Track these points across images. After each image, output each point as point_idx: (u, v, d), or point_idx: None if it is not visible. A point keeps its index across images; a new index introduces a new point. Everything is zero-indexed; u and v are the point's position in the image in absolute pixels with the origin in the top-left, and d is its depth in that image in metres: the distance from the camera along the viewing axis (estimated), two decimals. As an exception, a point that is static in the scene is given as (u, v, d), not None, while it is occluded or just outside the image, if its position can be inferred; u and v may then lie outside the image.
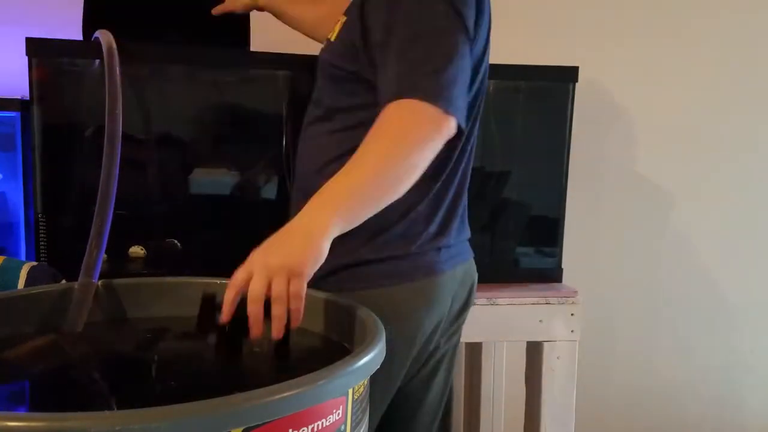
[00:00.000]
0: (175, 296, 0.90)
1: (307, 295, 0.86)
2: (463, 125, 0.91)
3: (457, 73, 0.90)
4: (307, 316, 0.84)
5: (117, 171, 0.91)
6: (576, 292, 1.44)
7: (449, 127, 0.88)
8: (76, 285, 0.84)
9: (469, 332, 1.44)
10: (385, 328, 0.71)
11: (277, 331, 0.71)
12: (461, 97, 0.91)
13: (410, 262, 1.01)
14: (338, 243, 0.78)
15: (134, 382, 0.74)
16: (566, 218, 1.51)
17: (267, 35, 1.42)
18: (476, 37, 0.97)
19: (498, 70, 1.49)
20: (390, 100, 0.87)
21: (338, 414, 0.59)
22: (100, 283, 0.86)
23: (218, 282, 0.90)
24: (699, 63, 1.95)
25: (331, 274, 0.94)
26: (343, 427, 0.60)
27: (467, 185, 1.10)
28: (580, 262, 1.63)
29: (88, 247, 0.86)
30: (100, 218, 0.87)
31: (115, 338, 0.87)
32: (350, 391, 0.60)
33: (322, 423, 0.57)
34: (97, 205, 0.88)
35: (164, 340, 0.87)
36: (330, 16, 1.16)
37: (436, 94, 0.87)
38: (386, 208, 0.86)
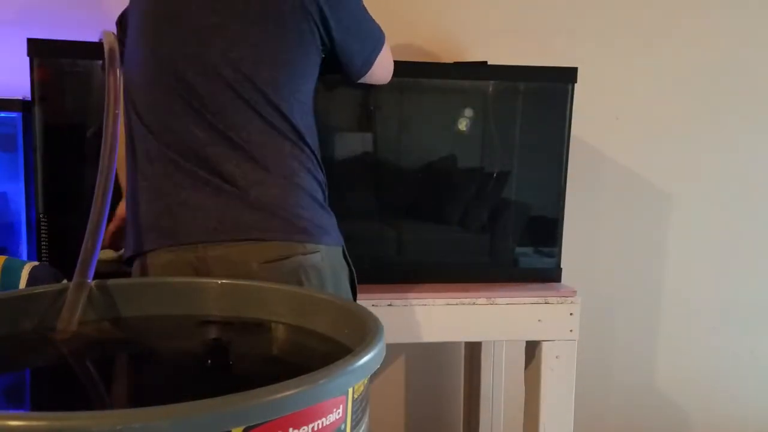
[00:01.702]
0: (172, 296, 0.90)
1: (307, 295, 0.87)
2: None
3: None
4: (308, 316, 0.84)
5: (114, 171, 0.91)
6: (575, 291, 1.45)
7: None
8: (69, 285, 0.84)
9: (468, 332, 1.45)
10: None
11: None
12: None
13: None
14: None
15: (129, 381, 0.75)
16: (565, 218, 1.51)
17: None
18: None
19: (498, 70, 1.50)
20: None
21: (338, 413, 0.59)
22: (93, 283, 0.86)
23: (218, 282, 0.91)
24: (700, 63, 1.95)
25: None
26: (343, 426, 0.60)
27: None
28: (579, 261, 1.63)
29: (82, 247, 0.86)
30: (95, 218, 0.87)
31: (110, 337, 0.87)
32: (350, 390, 0.60)
33: (322, 422, 0.57)
34: (92, 206, 0.88)
35: (159, 339, 0.87)
36: None
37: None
38: None
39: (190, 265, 1.00)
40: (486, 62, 1.53)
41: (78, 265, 0.85)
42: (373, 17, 1.20)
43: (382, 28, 1.23)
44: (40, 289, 0.87)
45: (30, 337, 0.81)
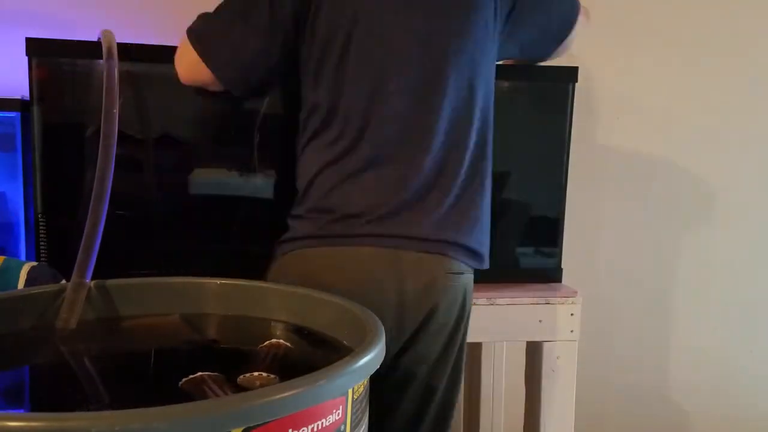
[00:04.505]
0: (170, 295, 0.90)
1: (307, 295, 0.87)
2: (225, 84, 1.12)
3: (227, 29, 1.09)
4: (308, 316, 0.84)
5: (112, 171, 0.91)
6: (576, 292, 1.44)
7: (201, 72, 1.10)
8: (68, 285, 0.84)
9: (469, 332, 1.45)
10: None
11: None
12: (225, 54, 1.09)
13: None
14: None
15: (128, 380, 0.74)
16: (566, 218, 1.51)
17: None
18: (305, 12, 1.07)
19: (498, 70, 1.50)
20: None
21: (338, 414, 0.59)
22: (92, 283, 0.85)
23: (218, 282, 0.91)
24: (700, 62, 1.95)
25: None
26: (342, 427, 0.60)
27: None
28: (580, 262, 1.63)
29: (81, 246, 0.85)
30: (93, 218, 0.87)
31: (108, 337, 0.86)
32: (350, 391, 0.60)
33: (322, 423, 0.57)
34: (90, 205, 0.88)
35: (157, 339, 0.87)
36: None
37: (193, 33, 1.10)
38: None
39: (386, 259, 1.06)
40: None
41: (76, 264, 0.84)
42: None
43: None
44: (38, 289, 0.87)
45: (28, 337, 0.81)
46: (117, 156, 0.97)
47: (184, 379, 0.63)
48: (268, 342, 0.71)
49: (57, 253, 1.25)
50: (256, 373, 0.63)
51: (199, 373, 0.64)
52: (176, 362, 0.81)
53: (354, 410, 0.62)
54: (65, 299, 0.82)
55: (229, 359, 0.81)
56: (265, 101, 1.30)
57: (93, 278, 0.86)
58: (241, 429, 0.50)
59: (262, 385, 0.62)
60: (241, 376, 0.64)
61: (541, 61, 1.37)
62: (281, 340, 0.71)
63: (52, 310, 0.83)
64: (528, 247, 1.53)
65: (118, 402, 0.68)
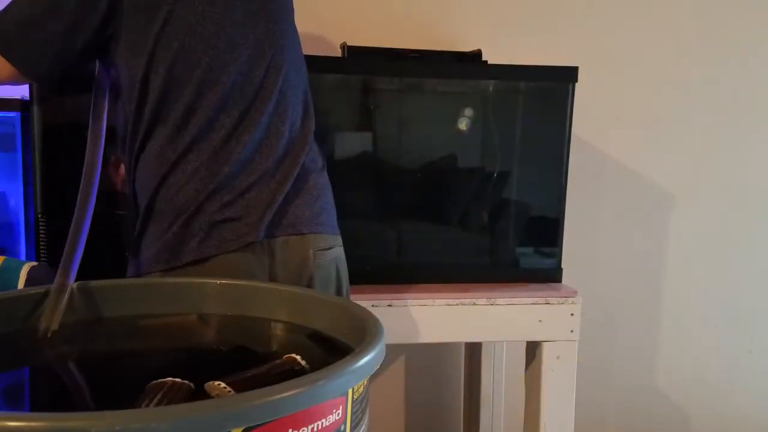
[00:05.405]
0: (170, 296, 0.90)
1: (307, 295, 0.86)
2: (26, 74, 0.99)
3: (24, 22, 0.96)
4: (308, 316, 0.84)
5: (98, 170, 0.90)
6: (575, 292, 1.45)
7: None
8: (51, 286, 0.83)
9: (469, 332, 1.45)
10: None
11: None
12: (22, 44, 0.96)
13: None
14: None
15: (113, 382, 0.74)
16: (566, 218, 1.51)
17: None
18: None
19: (498, 70, 1.50)
20: None
21: (338, 414, 0.59)
22: (75, 284, 0.85)
23: (218, 282, 0.91)
24: (699, 62, 1.95)
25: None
26: (342, 427, 0.60)
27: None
28: (579, 262, 1.63)
29: (65, 248, 0.85)
30: (78, 218, 0.87)
31: (92, 338, 0.86)
32: (350, 391, 0.60)
33: (322, 423, 0.57)
34: (77, 205, 0.87)
35: (143, 339, 0.87)
36: None
37: None
38: None
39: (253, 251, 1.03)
40: (480, 51, 1.53)
41: (60, 266, 0.84)
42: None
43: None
44: (22, 291, 0.86)
45: (13, 340, 0.80)
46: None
47: (153, 382, 0.63)
48: (286, 356, 0.70)
49: (57, 252, 1.25)
50: (217, 383, 0.63)
51: (168, 378, 0.63)
52: (175, 364, 0.81)
53: (354, 410, 0.62)
54: (48, 301, 0.81)
55: (230, 364, 0.80)
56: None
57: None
58: (241, 429, 0.50)
59: (217, 395, 0.62)
60: (207, 383, 0.63)
61: None
62: (298, 357, 0.70)
63: (39, 312, 0.82)
64: (528, 247, 1.54)
65: (103, 403, 0.68)
